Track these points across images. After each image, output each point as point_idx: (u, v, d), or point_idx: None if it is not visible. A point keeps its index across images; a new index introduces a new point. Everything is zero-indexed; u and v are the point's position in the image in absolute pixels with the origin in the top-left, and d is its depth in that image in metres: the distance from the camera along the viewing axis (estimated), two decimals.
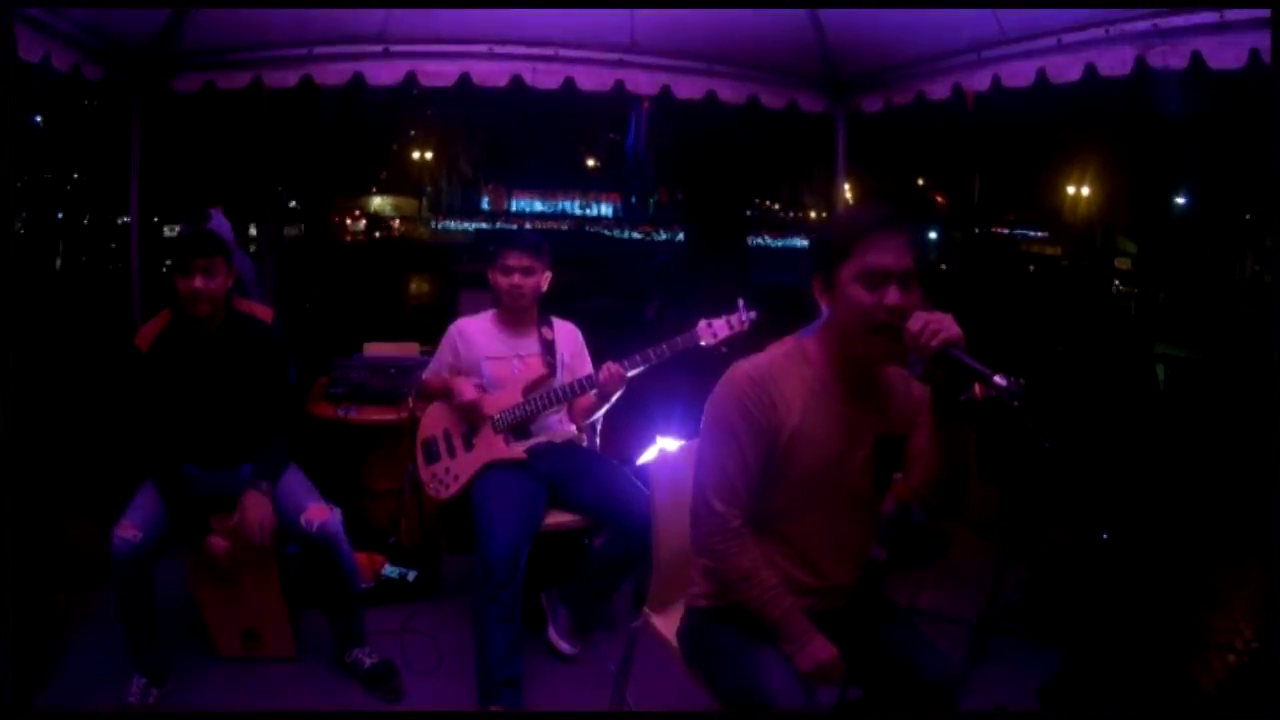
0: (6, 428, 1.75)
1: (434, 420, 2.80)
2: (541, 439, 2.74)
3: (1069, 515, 3.05)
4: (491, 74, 3.46)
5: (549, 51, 3.47)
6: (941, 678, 1.67)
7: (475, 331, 2.80)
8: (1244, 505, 2.55)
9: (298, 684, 2.52)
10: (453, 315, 2.98)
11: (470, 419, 2.72)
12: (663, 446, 2.96)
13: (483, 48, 3.45)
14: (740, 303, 2.63)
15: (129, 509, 2.33)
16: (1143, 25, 2.63)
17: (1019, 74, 3.03)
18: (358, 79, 3.43)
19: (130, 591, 2.27)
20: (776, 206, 25.79)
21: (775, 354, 1.66)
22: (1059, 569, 2.90)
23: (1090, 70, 2.81)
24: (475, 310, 2.91)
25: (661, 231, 24.35)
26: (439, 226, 25.91)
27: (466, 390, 2.70)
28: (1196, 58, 2.53)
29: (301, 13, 3.21)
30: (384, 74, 3.43)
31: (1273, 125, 2.01)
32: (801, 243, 22.70)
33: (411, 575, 3.04)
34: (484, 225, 25.82)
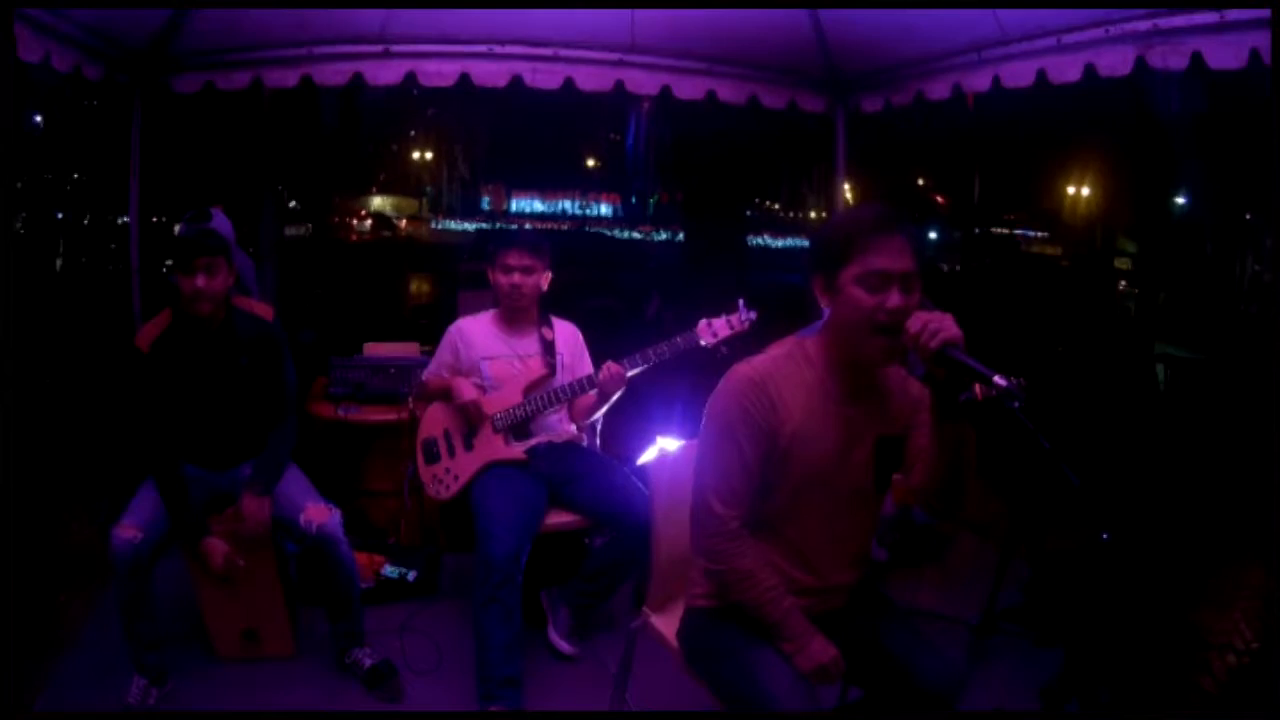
0: (7, 428, 1.75)
1: (434, 420, 2.80)
2: (541, 439, 2.74)
3: (1069, 515, 3.05)
4: (491, 74, 3.47)
5: (549, 51, 3.47)
6: (940, 680, 1.67)
7: (475, 331, 2.80)
8: (1244, 505, 2.55)
9: (298, 684, 2.52)
10: (453, 315, 2.97)
11: (470, 419, 2.72)
12: (663, 446, 2.96)
13: (483, 48, 3.45)
14: (740, 303, 2.63)
15: (129, 509, 2.33)
16: (1143, 25, 2.63)
17: (1019, 74, 3.04)
18: (358, 79, 3.43)
19: (130, 591, 2.27)
20: (776, 206, 25.78)
21: (776, 355, 1.65)
22: (1059, 569, 2.89)
23: (1090, 70, 2.81)
24: (475, 310, 2.91)
25: (661, 231, 24.32)
26: (439, 226, 25.90)
27: (466, 390, 2.70)
28: (1196, 58, 2.53)
29: (301, 13, 3.21)
30: (384, 74, 3.44)
31: (1273, 125, 2.01)
32: (801, 243, 22.69)
33: (411, 575, 3.04)
34: (484, 225, 25.81)
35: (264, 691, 2.47)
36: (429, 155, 24.97)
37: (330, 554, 2.44)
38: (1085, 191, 14.01)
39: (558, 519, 2.66)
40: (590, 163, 27.56)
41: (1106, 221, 12.97)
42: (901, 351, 1.48)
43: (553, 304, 2.90)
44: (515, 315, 2.79)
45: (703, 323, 2.60)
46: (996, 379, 1.31)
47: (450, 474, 2.72)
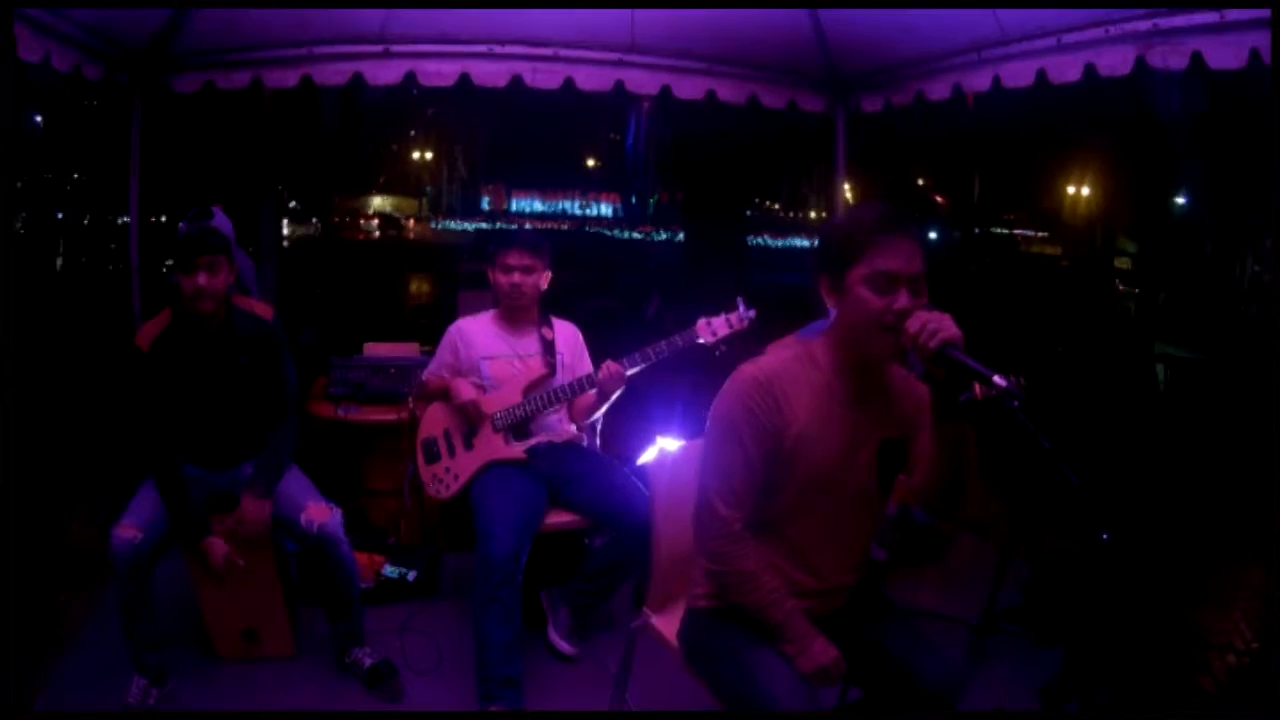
0: (7, 428, 1.75)
1: (434, 420, 2.80)
2: (541, 439, 2.74)
3: (1069, 515, 3.05)
4: (491, 74, 3.46)
5: (549, 51, 3.47)
6: (940, 680, 1.67)
7: (475, 331, 2.80)
8: (1244, 506, 2.55)
9: (298, 684, 2.52)
10: (453, 315, 2.97)
11: (470, 419, 2.72)
12: (663, 446, 2.96)
13: (483, 48, 3.45)
14: (740, 302, 2.63)
15: (129, 509, 2.33)
16: (1143, 25, 2.63)
17: (1019, 74, 3.03)
18: (358, 79, 3.43)
19: (130, 592, 2.27)
20: (776, 207, 25.78)
21: (782, 356, 1.65)
22: (1059, 569, 2.89)
23: (1090, 70, 2.80)
24: (475, 310, 2.91)
25: (661, 231, 24.31)
26: (439, 226, 25.91)
27: (465, 390, 2.70)
28: (1196, 58, 2.53)
29: (301, 13, 3.21)
30: (384, 74, 3.43)
31: (1273, 125, 2.01)
32: (801, 243, 22.68)
33: (411, 575, 3.04)
34: (484, 225, 25.81)
35: (264, 691, 2.47)
36: (429, 155, 24.98)
37: (331, 554, 2.44)
38: (1085, 191, 14.01)
39: (558, 519, 2.66)
40: (590, 163, 27.57)
41: (1106, 221, 12.97)
42: (901, 351, 1.48)
43: (553, 304, 2.90)
44: (515, 315, 2.79)
45: (702, 322, 2.60)
46: (996, 379, 1.31)
47: (450, 474, 2.72)
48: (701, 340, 2.58)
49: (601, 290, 8.84)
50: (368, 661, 2.53)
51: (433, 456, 2.76)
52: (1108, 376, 6.50)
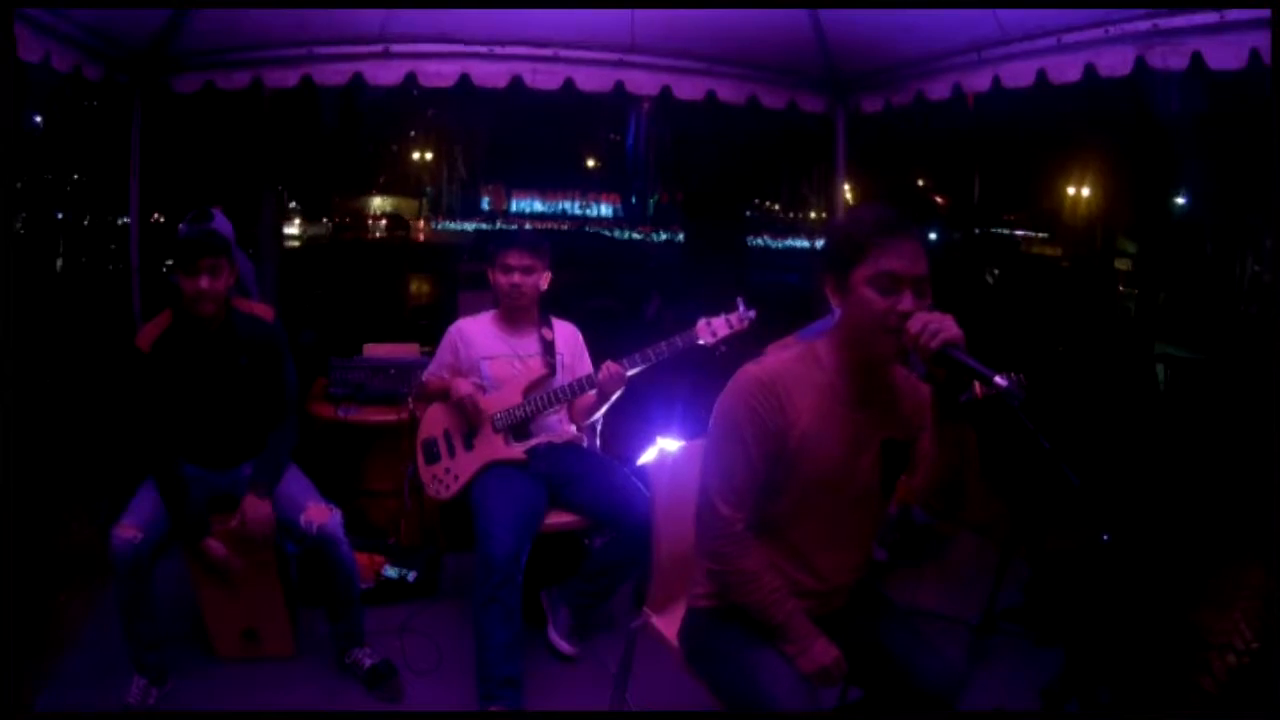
0: (7, 428, 1.75)
1: (434, 421, 2.80)
2: (541, 439, 2.74)
3: (1069, 515, 3.05)
4: (491, 74, 3.46)
5: (549, 52, 3.47)
6: (940, 680, 1.67)
7: (475, 332, 2.80)
8: (1244, 506, 2.55)
9: (298, 684, 2.52)
10: (453, 315, 2.97)
11: (470, 419, 2.72)
12: (663, 446, 2.96)
13: (483, 48, 3.45)
14: (740, 302, 2.63)
15: (129, 509, 2.33)
16: (1143, 25, 2.63)
17: (1019, 74, 3.03)
18: (358, 79, 3.43)
19: (130, 591, 2.27)
20: (776, 207, 25.78)
21: (785, 357, 1.65)
22: (1060, 569, 2.89)
23: (1090, 70, 2.81)
24: (475, 310, 2.91)
25: (661, 232, 24.32)
26: (439, 227, 25.92)
27: (463, 386, 2.70)
28: (1196, 58, 2.53)
29: (301, 13, 3.21)
30: (384, 74, 3.43)
31: (1273, 125, 2.01)
32: (801, 243, 22.68)
33: (411, 575, 3.04)
34: (484, 225, 25.83)
35: (264, 691, 2.46)
36: (429, 156, 24.98)
37: (330, 554, 2.44)
38: (1085, 192, 14.01)
39: (558, 519, 2.66)
40: (590, 163, 27.57)
41: (1107, 222, 12.97)
42: (903, 352, 1.48)
43: (553, 304, 2.90)
44: (515, 315, 2.79)
45: (702, 322, 2.60)
46: (997, 379, 1.31)
47: (450, 474, 2.72)
48: (702, 341, 2.58)
49: (601, 290, 8.84)
50: (368, 662, 2.53)
51: (433, 457, 2.76)
52: (1108, 376, 6.51)
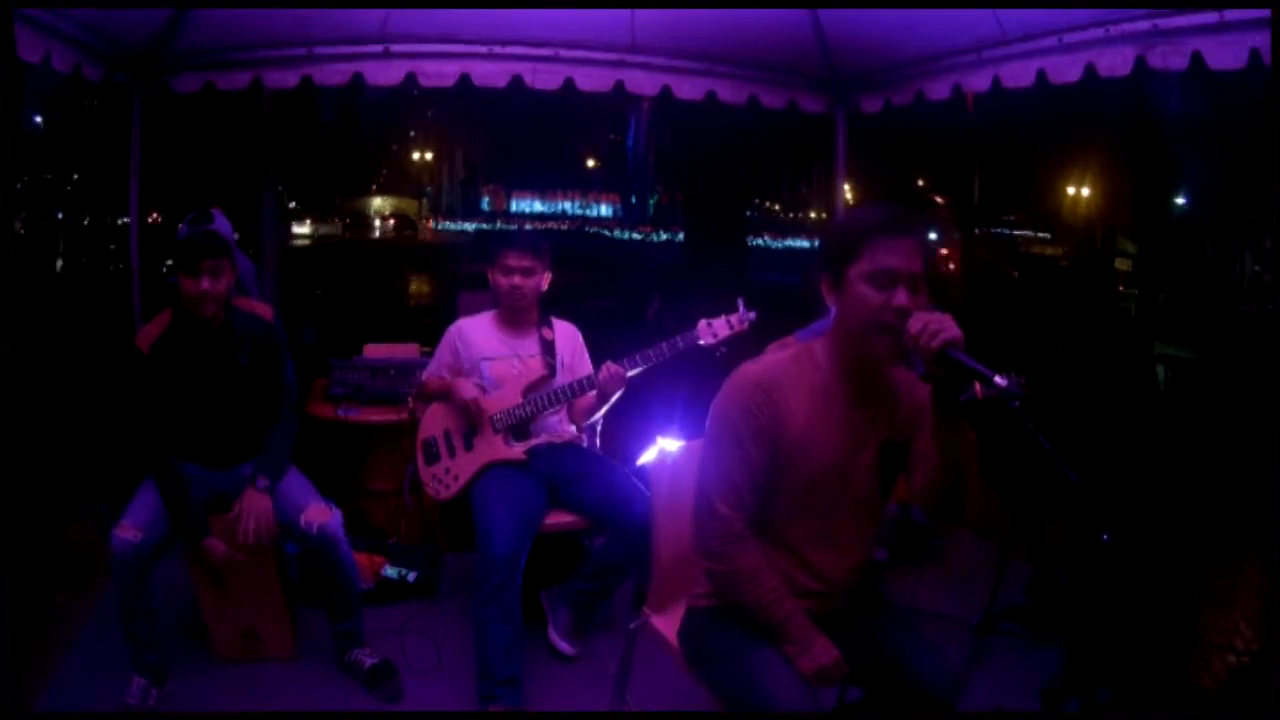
0: (7, 428, 1.74)
1: (434, 421, 2.80)
2: (542, 439, 2.74)
3: (1069, 515, 3.05)
4: (491, 74, 3.46)
5: (549, 52, 3.46)
6: (940, 680, 1.67)
7: (475, 332, 2.80)
8: (1244, 505, 2.55)
9: (298, 684, 2.52)
10: (453, 315, 2.97)
11: (470, 419, 2.72)
12: (663, 447, 2.96)
13: (483, 48, 3.44)
14: (740, 303, 2.63)
15: (129, 509, 2.33)
16: (1143, 25, 2.63)
17: (1019, 74, 3.03)
18: (358, 79, 3.43)
19: (130, 592, 2.27)
20: (776, 207, 25.79)
21: (782, 357, 1.65)
22: (1059, 569, 2.89)
23: (1090, 70, 2.81)
24: (475, 311, 2.91)
25: (661, 232, 24.33)
26: (439, 227, 25.93)
27: (467, 389, 2.70)
28: (1196, 58, 2.53)
29: (301, 13, 3.21)
30: (384, 74, 3.43)
31: (1273, 125, 2.01)
32: (801, 244, 22.69)
33: (411, 575, 3.04)
34: (483, 226, 25.84)
35: (264, 691, 2.46)
36: (429, 156, 24.99)
37: (330, 554, 2.44)
38: (1085, 192, 14.02)
39: (558, 519, 2.66)
40: (590, 163, 27.60)
41: (1107, 222, 12.98)
42: (903, 352, 1.48)
43: (553, 305, 2.89)
44: (515, 316, 2.79)
45: (702, 323, 2.59)
46: (997, 379, 1.31)
47: (450, 474, 2.72)
48: (702, 342, 2.58)
49: (601, 290, 8.85)
50: (368, 662, 2.53)
51: (433, 457, 2.76)
52: (1108, 376, 6.50)
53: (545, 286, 2.78)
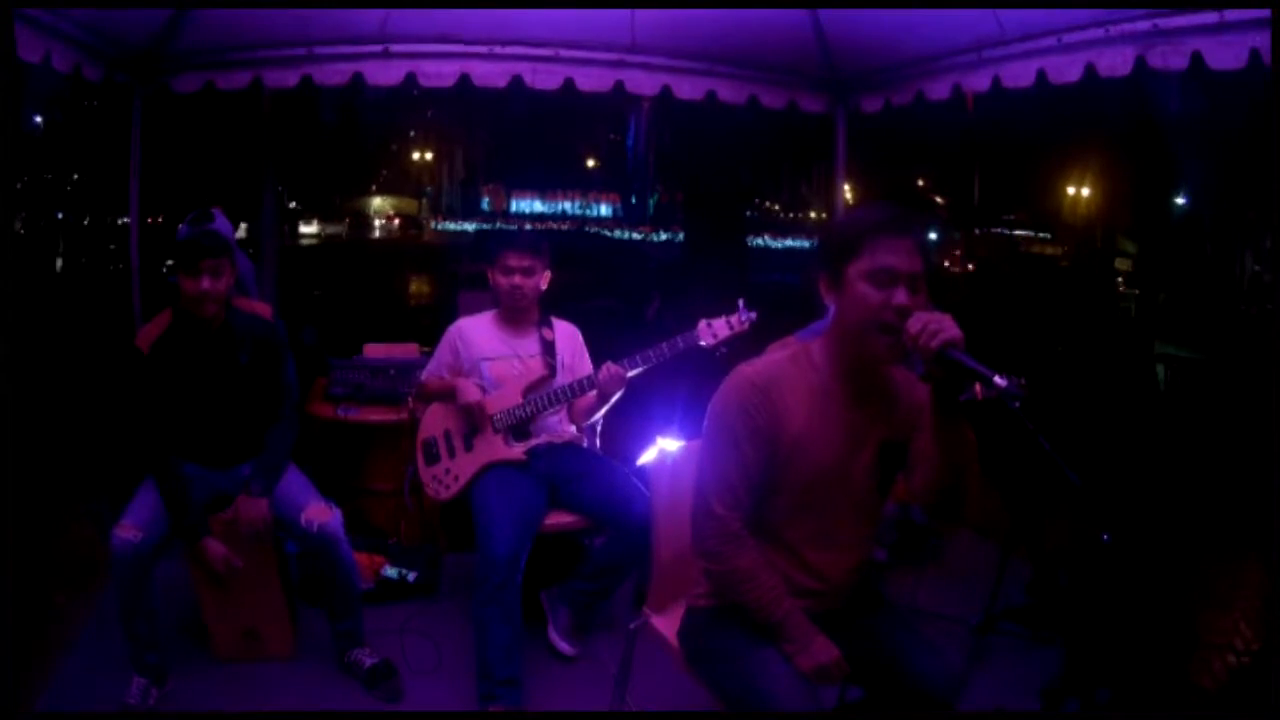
0: (6, 428, 1.75)
1: (434, 421, 2.80)
2: (542, 440, 2.74)
3: (1069, 515, 3.05)
4: (491, 74, 3.46)
5: (549, 52, 3.46)
6: (940, 680, 1.67)
7: (475, 332, 2.80)
8: (1245, 505, 2.55)
9: (298, 684, 2.52)
10: (453, 315, 2.97)
11: (470, 419, 2.72)
12: (663, 447, 2.96)
13: (483, 48, 3.44)
14: (740, 303, 2.63)
15: (129, 509, 2.33)
16: (1143, 25, 2.63)
17: (1019, 74, 3.03)
18: (358, 79, 3.43)
19: (130, 592, 2.27)
20: (776, 207, 25.80)
21: (779, 357, 1.65)
22: (1059, 569, 2.89)
23: (1090, 70, 2.80)
24: (475, 310, 2.91)
25: (661, 232, 24.33)
26: (438, 227, 25.94)
27: (470, 392, 2.70)
28: (1196, 58, 2.53)
29: (301, 13, 3.21)
30: (384, 74, 3.43)
31: (1273, 125, 2.01)
32: (801, 244, 22.69)
33: (411, 575, 3.04)
34: (484, 226, 25.84)
35: (264, 691, 2.46)
36: (429, 155, 25.00)
37: (331, 554, 2.44)
38: (1085, 192, 14.03)
39: (558, 519, 2.66)
40: (590, 163, 27.61)
41: (1107, 222, 12.99)
42: (903, 352, 1.48)
43: (553, 304, 2.89)
44: (515, 316, 2.79)
45: (702, 323, 2.59)
46: (997, 379, 1.31)
47: (450, 474, 2.72)
48: (702, 342, 2.58)
49: (601, 290, 8.84)
50: (368, 662, 2.53)
51: (433, 457, 2.76)
52: (1108, 376, 6.51)
53: (545, 286, 2.78)
